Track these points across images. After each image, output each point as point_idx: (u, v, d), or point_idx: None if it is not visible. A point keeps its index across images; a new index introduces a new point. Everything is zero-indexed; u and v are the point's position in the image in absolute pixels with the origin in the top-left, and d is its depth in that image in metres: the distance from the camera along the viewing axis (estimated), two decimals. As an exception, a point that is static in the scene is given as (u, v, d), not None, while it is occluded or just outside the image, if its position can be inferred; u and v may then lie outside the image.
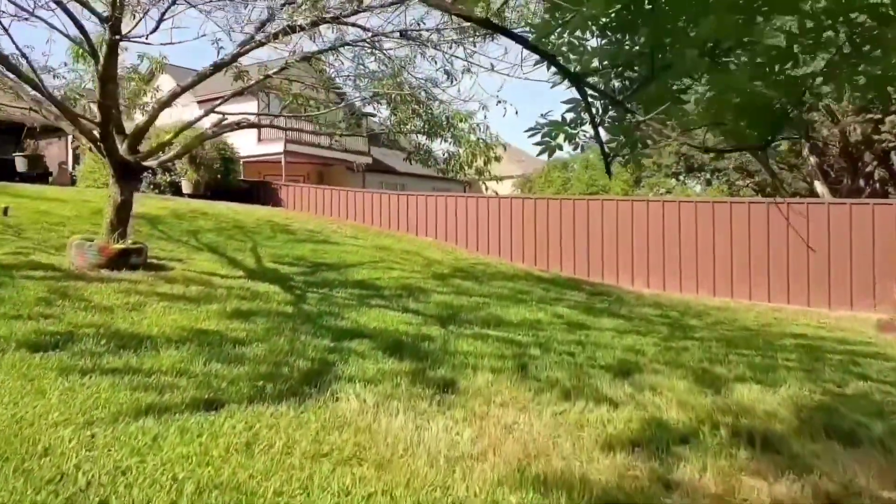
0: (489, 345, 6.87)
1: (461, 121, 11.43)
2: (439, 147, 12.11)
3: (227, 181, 23.77)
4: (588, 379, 5.94)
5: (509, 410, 4.83)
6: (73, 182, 22.87)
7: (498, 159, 12.69)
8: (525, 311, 9.19)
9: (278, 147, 29.99)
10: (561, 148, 3.28)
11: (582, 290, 12.78)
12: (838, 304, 13.25)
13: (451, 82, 9.52)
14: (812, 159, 22.05)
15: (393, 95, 10.42)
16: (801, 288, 13.80)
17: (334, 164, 32.96)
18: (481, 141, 11.56)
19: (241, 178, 26.19)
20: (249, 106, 30.77)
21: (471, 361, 6.09)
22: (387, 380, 5.14)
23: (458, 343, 6.80)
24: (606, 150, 3.09)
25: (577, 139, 3.33)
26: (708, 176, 30.75)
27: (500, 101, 11.41)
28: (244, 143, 29.60)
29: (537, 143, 3.33)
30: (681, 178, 32.49)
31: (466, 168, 11.31)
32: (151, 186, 21.29)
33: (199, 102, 31.41)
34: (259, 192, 25.13)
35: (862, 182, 22.08)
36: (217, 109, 9.74)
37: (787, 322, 11.07)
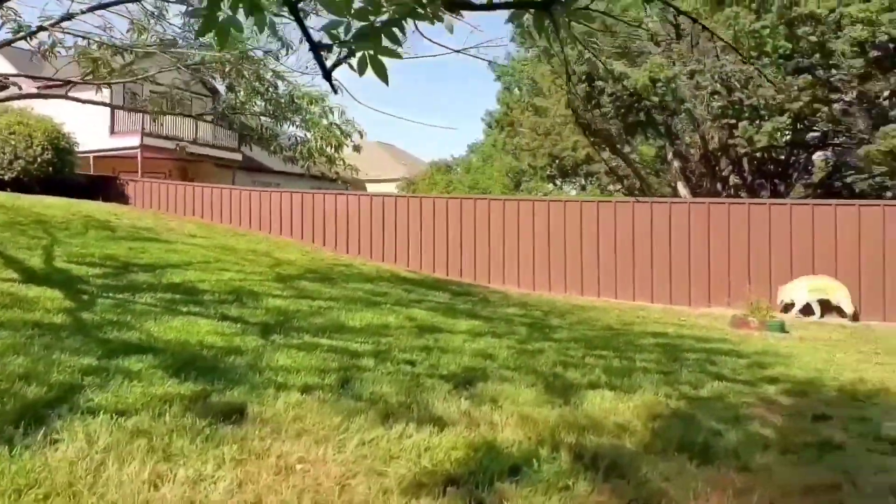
0: (315, 356, 5.81)
1: (311, 103, 10.32)
2: (301, 135, 10.92)
3: (61, 174, 21.14)
4: (421, 393, 5.03)
5: (303, 443, 3.81)
6: None
7: (357, 149, 11.66)
8: (374, 316, 8.21)
9: (134, 140, 27.25)
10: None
11: (448, 290, 12.01)
12: (698, 301, 13.33)
13: (287, 51, 8.41)
14: (675, 163, 22.75)
15: (227, 69, 9.14)
16: (664, 286, 13.81)
17: (201, 161, 30.42)
18: (335, 126, 10.49)
19: (86, 171, 23.53)
20: (101, 94, 27.92)
21: (280, 379, 5.01)
22: (151, 409, 3.96)
23: (276, 356, 5.69)
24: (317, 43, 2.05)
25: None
26: (583, 181, 31.34)
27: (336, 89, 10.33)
28: (93, 135, 26.56)
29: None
30: (557, 182, 32.97)
31: (317, 155, 10.20)
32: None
33: (38, 89, 28.05)
34: (102, 187, 22.59)
35: (719, 186, 23.03)
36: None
37: (649, 320, 10.83)
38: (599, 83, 18.42)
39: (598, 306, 12.56)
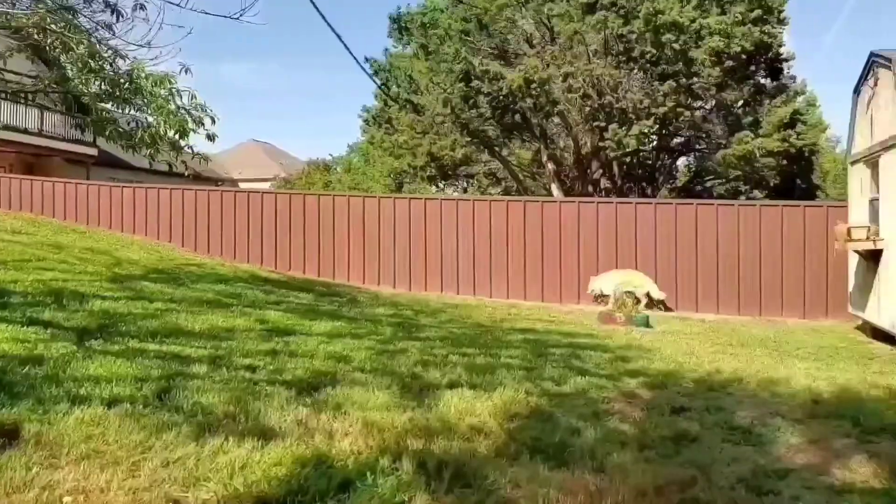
0: (135, 364, 5.00)
1: (156, 84, 9.28)
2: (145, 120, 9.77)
3: None
4: (254, 402, 4.40)
5: (85, 468, 3.09)
6: None
7: (211, 138, 10.66)
8: (220, 318, 7.41)
9: None
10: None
11: (314, 292, 11.31)
12: (569, 298, 13.45)
13: (118, 19, 7.45)
14: (550, 166, 23.20)
15: (51, 41, 7.98)
16: (537, 283, 13.83)
17: (51, 155, 27.47)
18: (182, 111, 9.50)
19: None
20: None
21: (83, 391, 4.21)
22: None
23: (87, 365, 4.84)
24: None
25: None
26: (464, 184, 31.42)
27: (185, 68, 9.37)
28: None
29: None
30: (440, 184, 32.86)
31: (161, 143, 9.17)
32: None
33: None
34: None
35: (591, 188, 23.72)
36: None
37: (520, 317, 10.69)
38: (476, 83, 18.36)
39: (471, 304, 12.34)
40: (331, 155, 41.22)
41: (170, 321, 6.93)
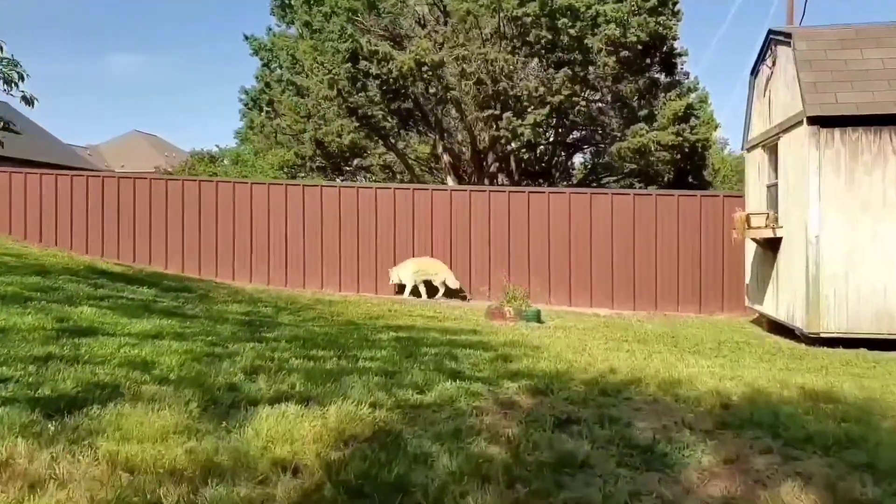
0: None
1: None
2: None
3: None
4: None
5: None
6: None
7: (29, 101, 8.79)
8: (4, 316, 5.75)
9: None
10: None
11: (160, 286, 9.63)
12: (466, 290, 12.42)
13: None
14: (445, 157, 22.23)
15: None
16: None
17: None
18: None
19: None
20: None
21: None
22: None
23: None
24: None
25: None
26: (361, 177, 29.93)
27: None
28: None
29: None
30: (336, 179, 31.19)
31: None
32: None
33: None
34: None
35: (487, 182, 22.95)
36: None
37: (401, 313, 9.50)
38: (365, 64, 17.04)
39: (352, 301, 11.02)
40: (217, 146, 38.45)
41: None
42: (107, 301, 7.56)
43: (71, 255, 11.68)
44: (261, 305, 9.01)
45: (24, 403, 3.59)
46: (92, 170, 26.58)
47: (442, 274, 12.06)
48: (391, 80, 17.29)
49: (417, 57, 16.42)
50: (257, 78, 20.87)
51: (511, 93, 16.70)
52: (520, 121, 16.71)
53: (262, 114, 20.14)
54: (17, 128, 34.85)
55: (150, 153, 49.01)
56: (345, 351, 5.85)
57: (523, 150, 24.24)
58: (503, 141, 18.01)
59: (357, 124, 18.21)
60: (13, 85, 8.42)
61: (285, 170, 26.01)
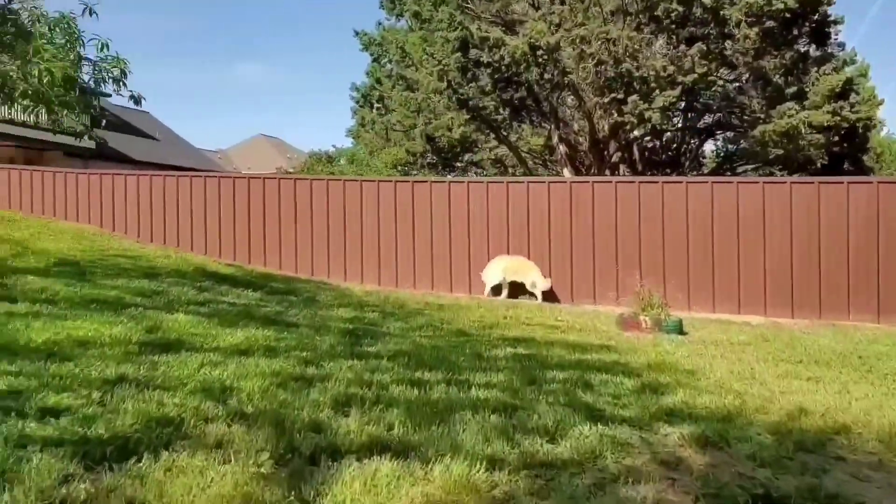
0: None
1: (52, 28, 7.28)
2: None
3: None
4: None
5: None
6: None
7: (137, 100, 8.58)
8: (92, 325, 5.33)
9: None
10: None
11: (266, 288, 9.19)
12: (582, 297, 11.22)
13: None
14: (561, 148, 20.95)
15: None
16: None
17: (49, 150, 25.70)
18: (86, 61, 7.50)
19: None
20: None
21: None
22: None
23: None
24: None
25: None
26: (472, 173, 29.16)
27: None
28: None
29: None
30: (443, 173, 30.64)
31: (54, 100, 7.14)
32: None
33: None
34: None
35: (608, 173, 21.43)
36: None
37: (518, 321, 8.49)
38: (475, 52, 16.14)
39: (463, 304, 10.11)
40: (334, 146, 39.11)
41: (4, 331, 4.87)
42: (206, 307, 7.12)
43: (184, 256, 11.62)
44: (367, 310, 8.31)
45: (69, 447, 2.94)
46: (203, 170, 27.58)
47: (531, 275, 11.05)
48: (503, 67, 16.29)
49: (531, 40, 15.30)
50: (368, 74, 20.56)
51: (636, 74, 15.19)
52: (646, 104, 15.16)
53: (373, 110, 19.78)
54: (156, 135, 37.04)
55: (274, 155, 51.02)
56: (455, 372, 4.93)
57: (647, 139, 22.46)
58: (628, 127, 16.51)
59: (468, 116, 17.35)
60: (121, 84, 8.16)
61: (398, 168, 25.70)
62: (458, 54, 16.03)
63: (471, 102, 17.27)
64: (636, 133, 19.88)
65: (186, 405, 3.64)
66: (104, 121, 7.87)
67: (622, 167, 22.63)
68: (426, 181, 13.17)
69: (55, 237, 10.50)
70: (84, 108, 7.74)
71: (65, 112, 7.61)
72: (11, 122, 23.74)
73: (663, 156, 24.01)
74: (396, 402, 3.99)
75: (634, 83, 15.46)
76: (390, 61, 19.72)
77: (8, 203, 15.09)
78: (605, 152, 19.58)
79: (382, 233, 12.80)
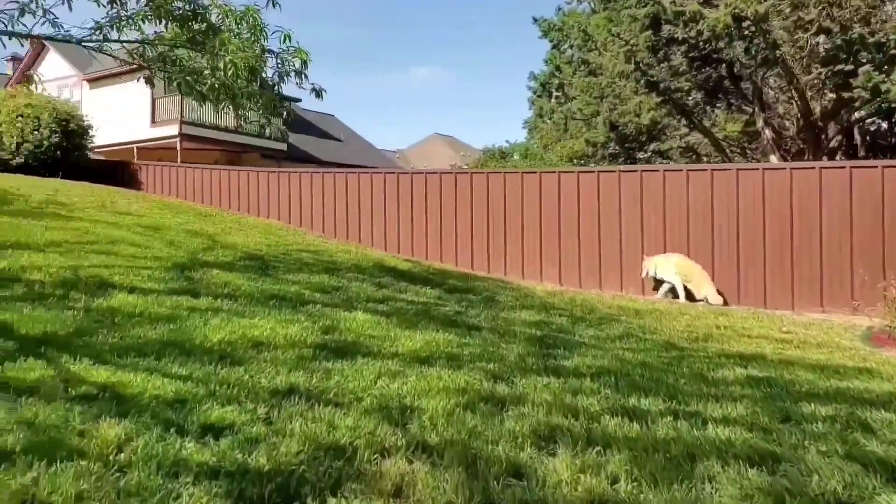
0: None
1: (238, 21, 7.28)
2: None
3: (70, 158, 19.13)
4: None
5: None
6: None
7: (319, 94, 8.47)
8: (268, 324, 5.04)
9: (174, 129, 25.33)
10: None
11: (444, 286, 8.69)
12: (806, 303, 9.45)
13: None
14: (767, 133, 18.50)
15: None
16: (756, 281, 10.00)
17: (248, 153, 28.27)
18: (269, 54, 7.42)
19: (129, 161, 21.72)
20: (142, 84, 26.25)
21: None
22: None
23: None
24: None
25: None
26: (657, 164, 27.14)
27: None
28: (136, 126, 25.34)
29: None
30: (623, 163, 28.84)
31: (238, 93, 7.13)
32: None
33: (87, 80, 26.68)
34: (116, 172, 20.61)
35: (825, 159, 18.60)
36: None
37: (734, 332, 7.13)
38: (668, 29, 14.58)
39: (663, 310, 8.86)
40: (507, 142, 38.59)
41: (183, 328, 4.68)
42: (385, 304, 6.70)
43: (364, 252, 11.56)
44: (554, 313, 7.46)
45: (225, 480, 2.44)
46: (383, 168, 28.31)
47: (699, 281, 9.88)
48: (700, 43, 14.54)
49: (736, 10, 13.44)
50: (546, 62, 19.63)
51: (870, 41, 12.75)
52: (882, 76, 12.68)
53: (552, 99, 18.82)
54: (341, 137, 39.01)
55: (448, 153, 51.90)
56: (679, 400, 3.92)
57: (869, 121, 19.22)
58: (857, 104, 13.98)
59: (658, 100, 15.78)
60: (303, 76, 8.01)
61: (574, 161, 24.49)
62: (649, 32, 14.57)
63: (661, 84, 15.70)
64: (860, 114, 17.00)
65: (360, 429, 3.05)
66: (287, 116, 7.73)
67: (838, 154, 19.59)
68: (613, 171, 11.99)
69: (244, 232, 10.86)
70: (267, 102, 7.68)
71: (249, 106, 7.56)
72: (217, 127, 26.11)
73: (893, 139, 20.46)
74: (614, 440, 3.11)
75: (867, 51, 13.01)
76: (571, 46, 18.63)
77: (210, 200, 16.26)
78: (823, 136, 16.93)
79: (564, 228, 11.87)
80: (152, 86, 7.90)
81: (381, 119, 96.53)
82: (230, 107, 7.57)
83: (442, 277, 9.52)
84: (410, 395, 3.61)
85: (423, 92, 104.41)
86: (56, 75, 27.20)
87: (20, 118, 18.58)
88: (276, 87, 8.05)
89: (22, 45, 7.08)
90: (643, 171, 11.74)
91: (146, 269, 6.51)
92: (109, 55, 7.66)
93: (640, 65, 15.24)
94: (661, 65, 15.54)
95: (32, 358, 3.65)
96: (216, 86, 7.00)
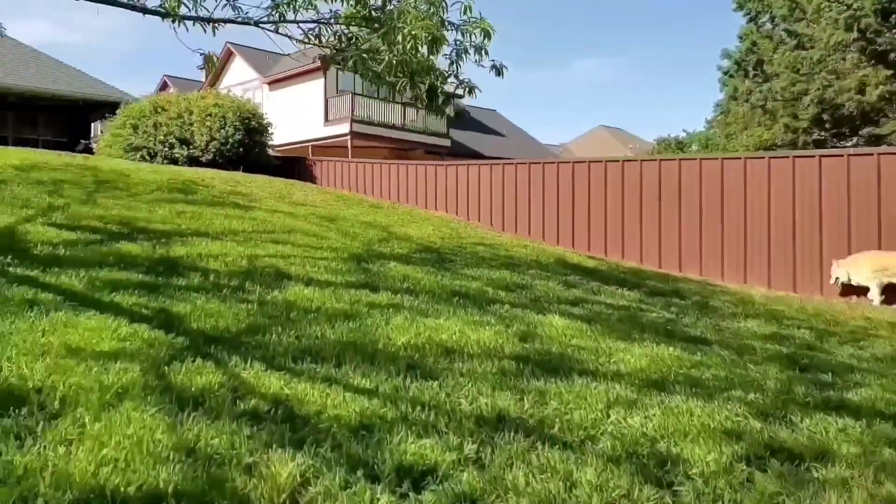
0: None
1: None
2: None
3: (251, 155, 20.18)
4: None
5: None
6: (91, 152, 20.67)
7: (499, 71, 7.66)
8: (456, 326, 4.28)
9: (345, 128, 26.22)
10: None
11: (641, 287, 7.51)
12: None
13: None
14: None
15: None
16: None
17: (413, 149, 28.66)
18: (450, 25, 6.72)
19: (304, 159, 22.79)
20: (316, 85, 27.47)
21: None
22: None
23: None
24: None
25: None
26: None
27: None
28: (310, 126, 26.62)
29: None
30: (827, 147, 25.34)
31: (417, 71, 6.51)
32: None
33: (268, 84, 28.48)
34: (292, 168, 21.49)
35: None
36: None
37: None
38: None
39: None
40: (685, 131, 35.74)
41: (364, 327, 4.05)
42: (580, 307, 5.72)
43: (540, 246, 10.64)
44: (788, 324, 6.04)
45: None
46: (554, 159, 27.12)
47: None
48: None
49: None
50: (741, 37, 17.41)
51: None
52: None
53: (748, 79, 16.64)
54: (503, 132, 38.58)
55: (615, 146, 49.62)
56: None
57: None
58: None
59: (889, 72, 13.24)
60: (483, 52, 7.21)
61: (764, 150, 21.75)
62: (878, -8, 12.23)
63: (893, 55, 13.17)
64: None
65: (609, 489, 2.12)
66: (462, 94, 6.94)
67: None
68: (840, 154, 10.02)
69: (417, 224, 10.37)
70: (443, 81, 6.99)
71: (427, 83, 6.90)
72: (384, 125, 26.53)
73: None
74: None
75: None
76: (772, 18, 16.34)
77: (379, 193, 16.20)
78: None
79: (774, 223, 10.13)
80: (327, 67, 7.53)
81: (540, 114, 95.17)
82: (407, 86, 6.95)
83: (636, 277, 8.34)
84: (662, 438, 2.63)
85: (584, 84, 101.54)
86: (240, 80, 29.13)
87: (209, 117, 19.81)
88: (454, 66, 7.34)
89: (204, 31, 6.93)
90: (880, 153, 9.69)
91: (322, 260, 6.07)
92: (286, 36, 7.37)
93: (866, 32, 12.85)
94: (894, 31, 13.02)
95: (200, 358, 3.14)
96: (393, 62, 6.41)
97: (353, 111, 25.75)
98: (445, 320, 4.41)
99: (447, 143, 29.28)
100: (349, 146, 26.14)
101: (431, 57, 6.35)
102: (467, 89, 6.56)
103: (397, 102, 28.11)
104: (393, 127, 26.84)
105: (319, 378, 3.08)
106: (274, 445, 2.31)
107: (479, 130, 35.23)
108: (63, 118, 23.81)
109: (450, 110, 10.33)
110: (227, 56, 30.13)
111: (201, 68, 35.53)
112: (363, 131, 26.33)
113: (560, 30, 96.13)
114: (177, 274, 4.87)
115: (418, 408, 2.78)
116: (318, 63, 26.96)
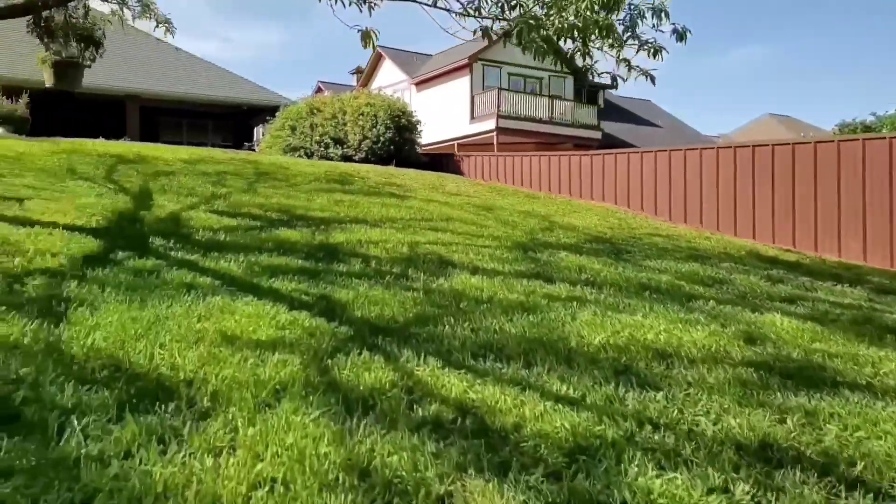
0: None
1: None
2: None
3: (401, 152, 20.31)
4: None
5: None
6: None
7: (682, 36, 6.69)
8: (662, 325, 3.53)
9: (491, 124, 25.95)
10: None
11: (860, 282, 6.21)
12: None
13: None
14: None
15: None
16: None
17: (561, 143, 27.74)
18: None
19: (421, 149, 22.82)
20: (462, 83, 27.44)
21: None
22: None
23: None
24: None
25: None
26: None
27: None
28: (457, 124, 26.72)
29: None
30: None
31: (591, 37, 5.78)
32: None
33: (415, 84, 28.94)
34: (441, 163, 21.42)
35: None
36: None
37: None
38: None
39: None
40: (874, 114, 31.58)
41: (547, 321, 3.41)
42: (798, 306, 4.67)
43: (724, 238, 9.40)
44: None
45: None
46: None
47: None
48: None
49: None
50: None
51: None
52: None
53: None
54: (659, 122, 36.46)
55: (783, 134, 45.35)
56: None
57: None
58: None
59: None
60: (662, 15, 6.28)
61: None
62: None
63: None
64: None
65: None
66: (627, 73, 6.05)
67: None
68: None
69: (578, 213, 9.55)
70: (620, 45, 6.15)
71: (598, 47, 6.09)
72: (531, 119, 25.77)
73: None
74: None
75: None
76: None
77: (529, 184, 15.51)
78: None
79: None
80: (489, 38, 6.89)
81: (699, 104, 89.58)
82: (580, 51, 6.19)
83: (850, 272, 6.99)
84: None
85: (750, 74, 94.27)
86: (389, 81, 29.66)
87: (361, 116, 20.10)
88: (628, 31, 6.48)
89: (360, 11, 6.61)
90: None
91: (485, 248, 5.50)
92: (444, 10, 6.90)
93: None
94: None
95: (367, 351, 2.64)
96: (564, 27, 5.70)
97: (499, 107, 25.27)
98: (643, 317, 3.65)
99: (598, 135, 27.88)
100: (495, 142, 25.65)
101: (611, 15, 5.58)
102: (651, 51, 5.68)
103: (544, 96, 27.24)
104: (540, 121, 26.06)
105: (507, 380, 2.47)
106: (469, 469, 1.72)
107: (633, 122, 33.47)
108: (229, 123, 25.51)
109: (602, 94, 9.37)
110: (377, 59, 30.81)
111: (353, 73, 36.81)
112: (509, 126, 25.76)
113: (719, 17, 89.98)
114: (337, 260, 4.51)
115: (647, 427, 2.07)
116: (466, 60, 26.96)
